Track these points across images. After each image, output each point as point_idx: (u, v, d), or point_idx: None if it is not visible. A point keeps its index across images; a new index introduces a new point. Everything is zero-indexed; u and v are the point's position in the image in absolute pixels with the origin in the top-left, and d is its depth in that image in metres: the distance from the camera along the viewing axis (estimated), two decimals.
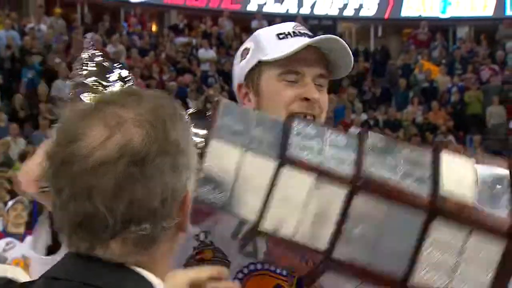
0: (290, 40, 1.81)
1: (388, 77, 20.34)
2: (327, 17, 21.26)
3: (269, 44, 1.81)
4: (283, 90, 1.77)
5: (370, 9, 22.55)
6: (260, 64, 1.80)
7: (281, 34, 1.86)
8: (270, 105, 1.78)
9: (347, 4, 22.69)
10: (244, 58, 1.86)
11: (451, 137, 17.10)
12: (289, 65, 1.78)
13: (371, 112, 18.39)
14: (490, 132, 18.31)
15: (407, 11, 22.60)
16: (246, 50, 1.89)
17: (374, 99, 19.32)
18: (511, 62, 19.47)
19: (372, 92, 19.42)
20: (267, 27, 2.00)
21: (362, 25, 23.74)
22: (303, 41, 1.77)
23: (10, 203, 7.32)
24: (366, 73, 20.16)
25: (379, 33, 23.12)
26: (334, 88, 17.39)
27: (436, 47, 21.00)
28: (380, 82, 20.20)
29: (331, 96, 16.50)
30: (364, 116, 18.02)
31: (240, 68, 1.87)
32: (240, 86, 1.84)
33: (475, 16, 22.16)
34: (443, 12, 22.11)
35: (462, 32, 22.12)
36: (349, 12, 22.89)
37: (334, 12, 22.56)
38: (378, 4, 22.46)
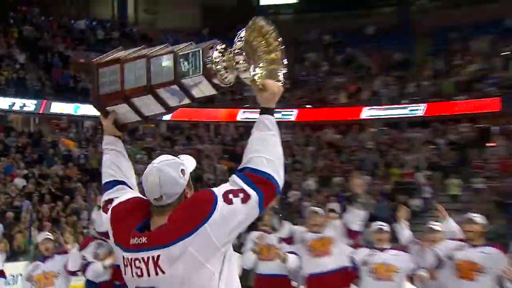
0: (187, 160, 2.68)
1: (43, 148, 22.75)
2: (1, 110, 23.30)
3: (189, 164, 2.63)
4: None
5: (30, 106, 23.98)
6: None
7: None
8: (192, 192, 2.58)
9: (14, 103, 23.80)
10: (184, 175, 2.50)
11: (79, 184, 20.87)
12: None
13: (30, 169, 20.86)
14: None
15: (56, 109, 24.65)
16: (183, 170, 2.56)
17: (33, 160, 21.73)
18: None
19: (31, 156, 21.92)
20: (185, 158, 2.72)
21: (25, 116, 25.24)
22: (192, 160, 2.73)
23: None
24: (27, 146, 22.61)
25: (37, 121, 25.36)
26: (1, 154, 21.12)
27: (72, 131, 25.02)
28: (38, 152, 22.62)
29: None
30: (25, 171, 20.55)
31: (185, 179, 2.50)
32: (186, 188, 2.50)
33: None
34: (76, 111, 24.66)
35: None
36: (16, 107, 23.96)
37: (5, 106, 23.89)
38: (35, 104, 23.98)
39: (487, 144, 22.75)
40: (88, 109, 23.56)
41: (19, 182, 19.71)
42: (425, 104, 24.79)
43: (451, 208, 13.31)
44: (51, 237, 7.19)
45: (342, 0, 29.71)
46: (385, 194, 21.00)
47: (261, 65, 2.52)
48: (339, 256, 6.79)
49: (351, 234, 6.50)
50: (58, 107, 24.15)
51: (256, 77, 2.46)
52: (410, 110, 25.19)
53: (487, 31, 26.58)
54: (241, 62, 2.48)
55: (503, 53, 25.10)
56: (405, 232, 6.52)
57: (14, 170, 20.22)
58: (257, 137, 2.49)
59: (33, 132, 24.07)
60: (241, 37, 2.48)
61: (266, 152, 2.44)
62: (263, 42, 2.54)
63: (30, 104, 23.55)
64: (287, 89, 25.05)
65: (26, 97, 23.57)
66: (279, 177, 2.42)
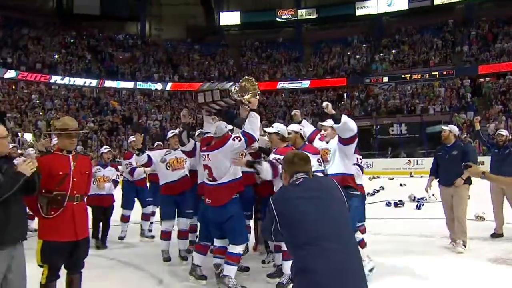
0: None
1: (101, 106, 26.40)
2: None
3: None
4: None
5: (93, 83, 27.98)
6: None
7: None
8: None
9: (85, 81, 27.61)
10: (225, 127, 4.19)
11: (120, 126, 25.94)
12: None
13: (95, 117, 24.61)
14: None
15: (108, 84, 28.48)
16: (239, 137, 4.04)
17: (96, 112, 25.42)
18: None
19: (95, 110, 25.51)
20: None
21: (91, 89, 28.17)
22: None
23: None
24: (93, 104, 26.30)
25: (97, 91, 28.22)
26: (80, 109, 25.51)
27: (116, 96, 28.50)
28: (99, 108, 26.13)
29: None
30: (92, 118, 24.38)
31: (225, 129, 4.12)
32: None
33: None
34: (118, 85, 28.93)
35: None
36: (87, 84, 27.88)
37: (81, 83, 27.57)
38: (96, 81, 28.10)
39: (342, 101, 29.10)
40: (124, 84, 29.49)
41: (90, 124, 24.36)
42: (309, 81, 31.51)
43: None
44: (110, 149, 7.22)
45: (263, 23, 35.53)
46: None
47: (249, 93, 4.23)
48: None
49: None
50: (109, 83, 29.35)
51: (247, 98, 4.21)
52: (302, 84, 31.56)
53: (339, 44, 33.51)
54: (241, 93, 4.20)
55: (348, 54, 32.37)
56: None
57: (87, 118, 25.04)
58: (250, 120, 4.18)
59: (96, 97, 28.50)
60: (241, 84, 4.22)
61: (252, 125, 4.21)
62: (249, 84, 4.25)
63: (93, 82, 28.72)
64: (234, 73, 31.34)
65: (91, 77, 28.70)
66: (256, 135, 4.21)
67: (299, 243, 2.32)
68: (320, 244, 2.26)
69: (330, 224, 2.33)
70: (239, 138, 4.17)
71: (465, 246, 5.52)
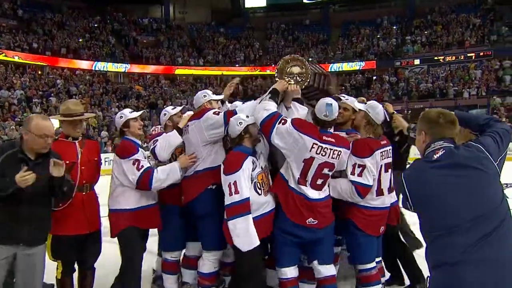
0: None
1: (125, 91, 26.37)
2: None
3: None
4: None
5: (117, 67, 28.34)
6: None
7: None
8: None
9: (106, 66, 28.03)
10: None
11: (145, 110, 26.17)
12: None
13: (119, 102, 24.60)
14: None
15: (131, 69, 28.70)
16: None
17: (120, 97, 25.41)
18: None
19: (119, 95, 25.55)
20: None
21: (115, 73, 28.60)
22: None
23: None
24: (118, 89, 26.34)
25: (122, 76, 28.78)
26: (105, 94, 25.87)
27: (141, 81, 28.55)
28: (123, 92, 26.08)
29: None
30: (117, 103, 24.25)
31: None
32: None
33: None
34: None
35: None
36: (110, 69, 28.00)
37: (104, 68, 27.70)
38: (121, 65, 28.51)
39: (371, 86, 28.91)
40: (148, 69, 29.45)
41: (114, 108, 23.67)
42: (337, 64, 30.69)
43: None
44: None
45: (288, 5, 35.13)
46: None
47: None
48: None
49: None
50: (133, 68, 29.37)
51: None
52: (330, 67, 30.06)
53: (368, 25, 32.66)
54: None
55: (378, 36, 31.48)
56: None
57: (111, 103, 24.72)
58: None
59: (120, 82, 28.55)
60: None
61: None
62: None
63: (118, 66, 28.81)
64: (260, 56, 31.18)
65: (115, 62, 28.64)
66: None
67: (436, 230, 2.03)
68: (464, 234, 1.94)
69: (477, 210, 1.97)
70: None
71: None
